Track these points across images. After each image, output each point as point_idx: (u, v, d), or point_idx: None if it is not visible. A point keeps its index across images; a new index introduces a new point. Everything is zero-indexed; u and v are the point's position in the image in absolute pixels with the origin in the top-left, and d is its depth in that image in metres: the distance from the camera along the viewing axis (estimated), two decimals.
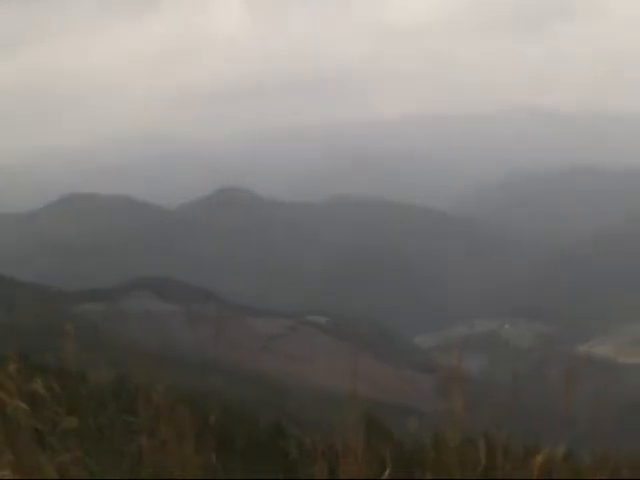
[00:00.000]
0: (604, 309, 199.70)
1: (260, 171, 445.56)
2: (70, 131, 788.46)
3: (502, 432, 5.09)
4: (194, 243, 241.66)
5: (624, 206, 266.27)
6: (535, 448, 4.63)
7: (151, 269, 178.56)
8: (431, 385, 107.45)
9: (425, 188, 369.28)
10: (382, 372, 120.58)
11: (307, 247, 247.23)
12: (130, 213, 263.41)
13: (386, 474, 4.88)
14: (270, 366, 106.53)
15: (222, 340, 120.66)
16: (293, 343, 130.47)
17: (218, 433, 6.36)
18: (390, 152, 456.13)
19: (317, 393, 76.31)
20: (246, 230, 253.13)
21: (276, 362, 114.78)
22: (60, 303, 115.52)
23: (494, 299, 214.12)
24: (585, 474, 5.27)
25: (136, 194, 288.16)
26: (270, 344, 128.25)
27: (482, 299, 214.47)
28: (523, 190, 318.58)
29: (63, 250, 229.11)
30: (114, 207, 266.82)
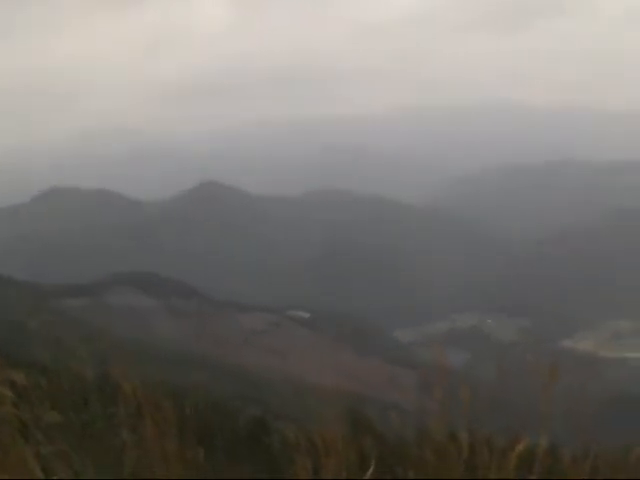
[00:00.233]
0: (585, 304, 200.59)
1: (241, 166, 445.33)
2: (51, 126, 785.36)
3: (484, 426, 5.12)
4: (176, 238, 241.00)
5: (606, 201, 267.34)
6: (515, 441, 4.65)
7: (133, 264, 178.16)
8: (413, 380, 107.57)
9: (406, 183, 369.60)
10: (363, 367, 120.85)
11: (288, 242, 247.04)
12: (111, 208, 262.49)
13: (370, 470, 4.89)
14: (253, 361, 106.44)
15: (205, 335, 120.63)
16: (276, 338, 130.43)
17: (201, 428, 6.36)
18: (370, 147, 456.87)
19: (299, 388, 76.25)
20: (228, 225, 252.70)
21: (259, 357, 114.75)
22: (42, 298, 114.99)
23: (476, 294, 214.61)
24: (566, 467, 5.30)
25: (117, 189, 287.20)
26: (253, 339, 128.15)
27: (464, 294, 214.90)
28: (505, 184, 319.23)
29: (45, 245, 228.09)
30: (95, 202, 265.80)
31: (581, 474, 5.16)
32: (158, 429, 5.32)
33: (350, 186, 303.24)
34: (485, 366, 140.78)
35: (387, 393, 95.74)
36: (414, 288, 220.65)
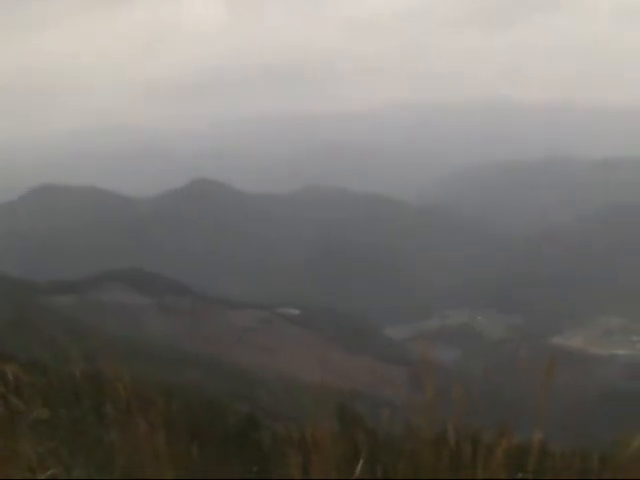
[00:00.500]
0: (576, 301, 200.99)
1: (232, 163, 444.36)
2: (42, 124, 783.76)
3: (474, 422, 5.13)
4: (167, 235, 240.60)
5: (598, 197, 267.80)
6: (502, 436, 4.66)
7: (124, 261, 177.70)
8: (404, 377, 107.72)
9: (396, 179, 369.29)
10: (354, 364, 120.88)
11: (279, 239, 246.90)
12: (103, 205, 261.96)
13: (360, 465, 4.90)
14: (244, 358, 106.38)
15: (196, 332, 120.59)
16: (267, 335, 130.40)
17: (191, 425, 6.37)
18: (365, 144, 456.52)
19: (290, 385, 76.31)
20: (220, 222, 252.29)
21: (250, 354, 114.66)
22: (32, 295, 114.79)
23: (467, 291, 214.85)
24: (556, 463, 5.32)
25: (108, 187, 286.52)
26: (244, 336, 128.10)
27: (455, 291, 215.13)
28: (496, 181, 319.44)
29: (36, 242, 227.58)
30: (87, 199, 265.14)
31: (571, 470, 5.18)
32: (149, 426, 5.32)
33: (344, 183, 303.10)
34: (476, 362, 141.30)
35: (378, 390, 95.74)
36: (406, 286, 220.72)
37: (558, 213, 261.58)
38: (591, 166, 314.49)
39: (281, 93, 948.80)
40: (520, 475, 4.80)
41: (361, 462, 4.85)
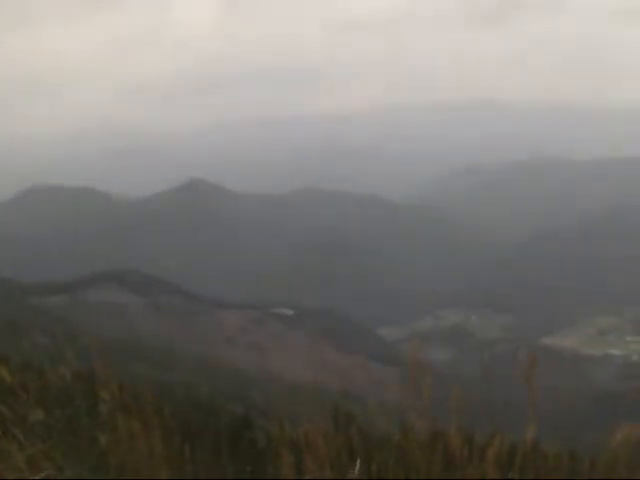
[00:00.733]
0: (569, 301, 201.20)
1: (227, 163, 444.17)
2: (35, 123, 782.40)
3: (467, 422, 5.15)
4: (160, 236, 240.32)
5: (590, 197, 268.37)
6: (494, 437, 4.69)
7: (116, 262, 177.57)
8: (397, 377, 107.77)
9: (390, 179, 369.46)
10: (348, 364, 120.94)
11: (273, 239, 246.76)
12: (95, 205, 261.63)
13: (357, 465, 4.92)
14: (237, 358, 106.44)
15: (188, 333, 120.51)
16: (260, 335, 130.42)
17: (184, 425, 6.37)
18: (354, 145, 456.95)
19: (284, 385, 76.32)
20: (213, 222, 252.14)
21: (243, 354, 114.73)
22: (23, 296, 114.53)
23: (460, 291, 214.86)
24: (548, 463, 5.34)
25: (101, 186, 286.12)
26: (237, 336, 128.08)
27: (448, 291, 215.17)
28: (488, 181, 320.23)
29: (27, 243, 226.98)
30: (79, 199, 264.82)
31: (563, 470, 5.20)
32: (142, 426, 5.33)
33: (340, 184, 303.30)
34: (469, 363, 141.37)
35: (372, 390, 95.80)
36: (399, 285, 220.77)
37: (555, 214, 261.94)
38: (590, 166, 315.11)
39: (272, 94, 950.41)
40: (511, 475, 4.83)
41: (358, 462, 4.87)
